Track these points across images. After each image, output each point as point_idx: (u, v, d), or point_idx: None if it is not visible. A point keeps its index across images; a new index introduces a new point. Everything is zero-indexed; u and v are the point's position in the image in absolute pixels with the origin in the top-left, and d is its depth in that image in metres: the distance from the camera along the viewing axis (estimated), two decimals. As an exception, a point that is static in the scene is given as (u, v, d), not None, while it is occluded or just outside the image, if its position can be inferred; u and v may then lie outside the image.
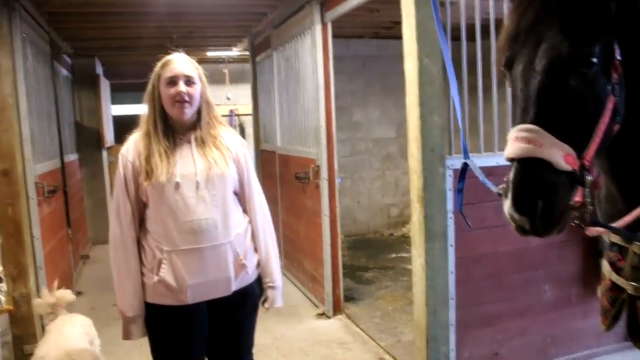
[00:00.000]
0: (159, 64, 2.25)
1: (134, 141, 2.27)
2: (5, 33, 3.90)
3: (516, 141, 1.38)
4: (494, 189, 1.66)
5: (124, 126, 9.93)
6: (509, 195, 1.36)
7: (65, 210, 5.63)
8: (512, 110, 1.50)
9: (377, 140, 7.55)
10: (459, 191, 2.28)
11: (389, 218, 7.69)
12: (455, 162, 3.09)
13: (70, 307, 5.05)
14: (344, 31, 6.43)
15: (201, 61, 10.00)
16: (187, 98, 2.20)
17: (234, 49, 7.72)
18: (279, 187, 5.66)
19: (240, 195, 2.34)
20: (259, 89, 6.58)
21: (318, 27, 4.42)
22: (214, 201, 2.19)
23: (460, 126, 2.39)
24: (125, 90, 10.68)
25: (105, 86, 8.12)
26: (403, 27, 3.04)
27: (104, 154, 7.96)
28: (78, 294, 5.60)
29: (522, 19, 1.46)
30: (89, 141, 7.55)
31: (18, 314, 3.99)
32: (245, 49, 7.41)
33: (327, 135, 4.48)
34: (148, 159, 2.20)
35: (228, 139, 2.33)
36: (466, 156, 2.26)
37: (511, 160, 1.40)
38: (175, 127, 2.26)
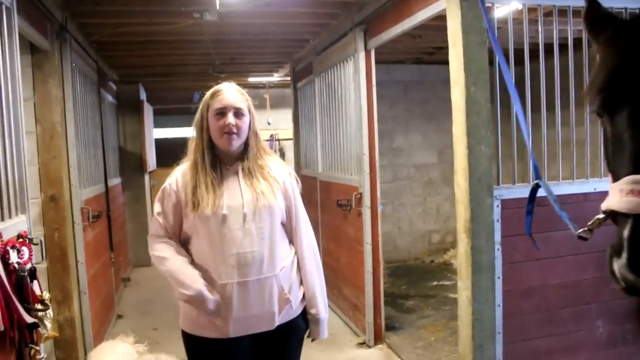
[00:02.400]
0: (208, 94, 2.26)
1: (181, 171, 2.28)
2: (57, 63, 4.02)
3: (631, 194, 1.22)
4: (574, 229, 1.57)
5: (165, 149, 10.03)
6: (624, 254, 1.21)
7: (109, 234, 5.73)
8: (611, 157, 1.34)
9: (419, 166, 7.49)
10: (528, 212, 2.21)
11: (430, 245, 7.58)
12: (502, 192, 3.03)
13: (112, 331, 5.12)
14: (385, 56, 6.43)
15: (242, 86, 10.15)
16: (235, 130, 2.20)
17: (275, 74, 7.81)
18: (320, 214, 5.64)
19: (288, 227, 2.32)
20: (300, 114, 6.62)
21: (361, 54, 4.43)
22: (261, 234, 2.18)
23: (529, 146, 2.33)
24: (167, 114, 10.95)
25: (148, 111, 8.29)
26: (450, 56, 3.01)
27: (146, 177, 8.11)
28: (119, 317, 5.66)
29: (629, 52, 1.26)
30: (131, 165, 7.71)
31: (62, 338, 4.04)
32: (286, 75, 7.47)
33: (370, 162, 4.45)
34: (195, 190, 2.20)
35: (275, 169, 2.32)
36: (537, 177, 2.19)
37: (624, 215, 1.24)
38: (222, 158, 2.26)
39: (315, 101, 5.73)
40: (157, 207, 2.27)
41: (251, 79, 8.19)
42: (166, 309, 5.79)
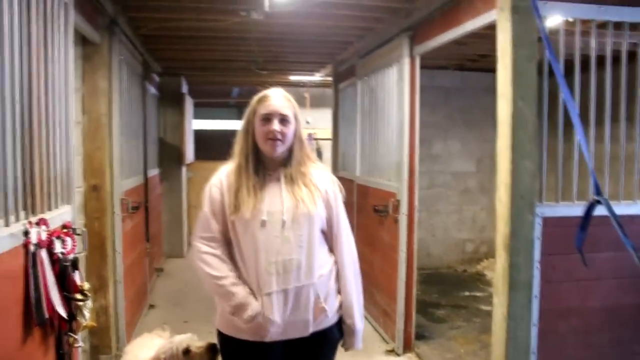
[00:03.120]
0: (255, 99, 2.29)
1: (226, 172, 2.31)
2: (106, 56, 4.10)
3: None
4: (638, 262, 1.54)
5: (202, 141, 10.21)
6: None
7: (145, 225, 5.82)
8: None
9: (456, 174, 7.42)
10: (582, 228, 2.18)
11: (464, 254, 7.51)
12: (545, 210, 2.98)
13: (144, 320, 5.21)
14: (427, 62, 6.37)
15: (283, 84, 10.19)
16: (279, 136, 2.23)
17: (317, 74, 7.82)
18: (356, 217, 5.64)
19: (328, 235, 2.33)
20: (340, 115, 6.63)
21: (406, 61, 4.41)
22: (299, 241, 2.19)
23: (588, 160, 2.29)
24: (206, 106, 11.08)
25: (189, 104, 8.40)
26: (498, 68, 2.98)
27: (183, 170, 8.21)
28: (151, 307, 5.76)
29: None
30: (170, 157, 7.82)
31: (96, 325, 4.14)
32: (327, 75, 7.48)
33: (410, 170, 4.43)
34: (237, 193, 2.23)
35: (318, 177, 2.33)
36: (598, 193, 2.16)
37: None
38: (266, 163, 2.29)
39: (357, 104, 5.73)
40: (205, 206, 2.29)
41: (292, 78, 8.22)
42: (197, 301, 5.87)
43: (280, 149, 2.25)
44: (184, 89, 8.27)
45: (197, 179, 8.56)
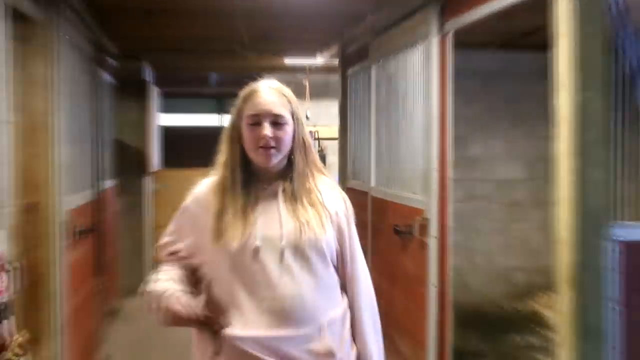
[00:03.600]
0: (240, 96, 2.33)
1: (205, 188, 2.37)
2: (46, 35, 4.07)
3: None
4: None
5: (172, 142, 10.25)
6: None
7: (97, 254, 5.79)
8: None
9: (501, 183, 7.38)
10: None
11: (513, 286, 7.46)
12: (623, 232, 2.93)
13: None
14: (462, 39, 6.32)
15: (276, 70, 10.19)
16: (273, 143, 2.26)
17: (319, 56, 7.82)
18: (370, 240, 5.61)
19: (340, 269, 2.37)
20: (349, 108, 6.63)
21: (435, 40, 4.39)
22: (303, 274, 2.23)
23: None
24: (177, 98, 11.11)
25: (154, 95, 8.41)
26: (555, 50, 2.94)
27: (148, 180, 8.22)
28: (107, 358, 5.72)
29: None
30: (130, 164, 7.85)
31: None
32: (332, 57, 7.48)
33: (440, 178, 4.40)
34: (220, 215, 2.27)
35: (327, 193, 2.38)
36: None
37: None
38: (259, 175, 2.32)
39: (371, 95, 5.71)
40: (170, 227, 2.40)
41: (288, 61, 8.23)
42: (164, 351, 5.83)
43: (276, 158, 2.29)
44: (148, 75, 8.27)
45: (165, 192, 8.56)
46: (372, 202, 5.65)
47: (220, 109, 11.61)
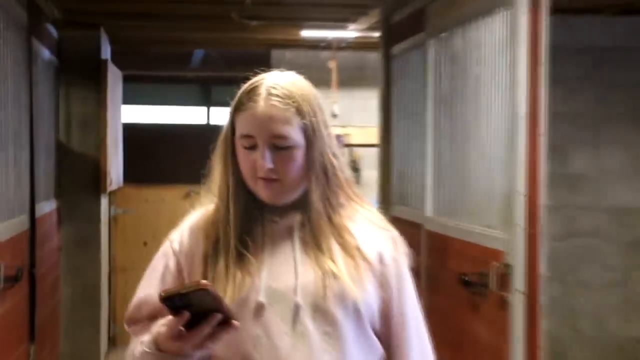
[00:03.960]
0: (237, 95, 2.33)
1: (194, 224, 2.40)
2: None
3: None
4: None
5: (141, 146, 10.25)
6: None
7: (30, 310, 5.75)
8: None
9: (617, 212, 7.27)
10: None
11: (637, 364, 7.37)
12: None
13: None
14: (562, 2, 6.28)
15: (289, 46, 10.26)
16: (274, 175, 2.26)
17: (351, 27, 7.82)
18: (424, 293, 5.57)
19: (383, 337, 2.36)
20: (394, 103, 6.65)
21: (523, 5, 4.35)
22: (326, 345, 2.23)
23: None
24: (146, 83, 11.14)
25: (115, 80, 8.40)
26: None
27: (104, 202, 8.21)
28: None
29: None
30: (78, 178, 7.83)
31: None
32: (371, 28, 7.46)
33: (530, 207, 4.35)
34: (212, 261, 2.30)
35: (366, 230, 2.38)
36: None
37: None
38: (266, 204, 2.33)
39: (427, 82, 5.72)
40: (147, 278, 2.41)
41: (306, 34, 8.22)
42: None
43: (281, 192, 2.30)
44: (106, 52, 8.26)
45: (130, 219, 8.56)
46: (427, 238, 5.64)
47: (208, 100, 11.63)
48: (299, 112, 2.28)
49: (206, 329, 2.07)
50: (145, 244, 8.59)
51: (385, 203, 6.58)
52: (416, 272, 5.57)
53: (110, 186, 8.03)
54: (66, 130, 7.81)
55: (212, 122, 11.69)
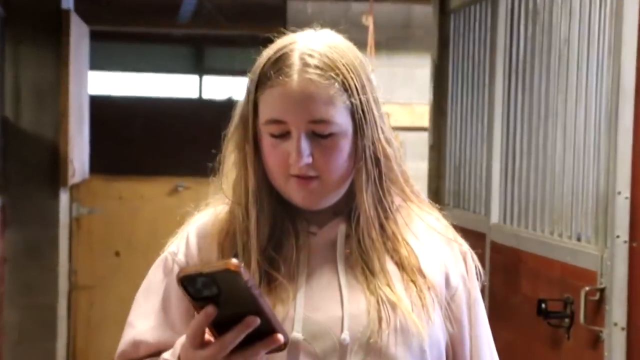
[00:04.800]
0: (258, 63, 2.27)
1: (202, 229, 2.37)
2: None
3: None
4: None
5: (111, 126, 10.25)
6: None
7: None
8: None
9: None
10: None
11: None
12: None
13: None
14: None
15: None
16: (313, 172, 2.22)
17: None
18: (488, 321, 5.57)
19: None
20: (452, 73, 6.70)
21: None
22: None
23: None
24: (120, 42, 11.17)
25: (80, 37, 8.42)
26: None
27: (64, 199, 8.22)
28: None
29: None
30: (30, 167, 7.86)
31: None
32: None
33: (634, 215, 4.33)
34: None
35: (427, 244, 2.36)
36: None
37: None
38: (300, 210, 2.31)
39: (497, 47, 5.75)
40: (139, 307, 2.38)
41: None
42: None
43: (321, 195, 2.27)
44: (68, 0, 8.27)
45: (98, 220, 8.61)
46: (493, 252, 5.69)
47: (200, 66, 11.65)
48: (345, 87, 2.23)
49: (239, 334, 1.96)
50: (117, 254, 8.70)
51: (438, 201, 6.58)
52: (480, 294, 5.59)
53: (72, 178, 8.04)
54: (13, 104, 7.82)
55: (205, 96, 11.70)
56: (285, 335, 1.96)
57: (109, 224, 8.63)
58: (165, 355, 2.17)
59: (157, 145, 10.14)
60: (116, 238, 8.68)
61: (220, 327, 1.93)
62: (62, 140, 7.85)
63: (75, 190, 8.55)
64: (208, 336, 1.96)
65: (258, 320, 1.91)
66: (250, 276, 1.90)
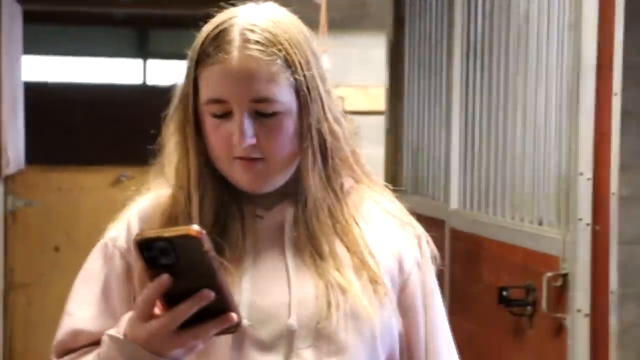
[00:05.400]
0: (197, 39, 2.28)
1: (143, 214, 2.36)
2: None
3: None
4: None
5: (48, 114, 10.22)
6: None
7: None
8: None
9: None
10: None
11: None
12: None
13: None
14: None
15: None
16: (258, 153, 2.23)
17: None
18: (448, 310, 5.62)
19: None
20: (408, 53, 6.77)
21: None
22: None
23: None
24: (56, 24, 11.08)
25: (12, 18, 8.40)
26: None
27: (-1, 190, 8.21)
28: None
29: None
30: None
31: None
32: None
33: (597, 197, 4.41)
34: None
35: (380, 226, 2.37)
36: None
37: None
38: (245, 193, 2.31)
39: (454, 22, 5.79)
40: (77, 294, 2.36)
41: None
42: None
43: (267, 177, 2.27)
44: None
45: (35, 213, 8.64)
46: (452, 239, 5.73)
47: (144, 49, 11.60)
48: (288, 63, 2.23)
49: (192, 306, 1.93)
50: (56, 249, 8.61)
51: (394, 192, 6.62)
52: (439, 282, 5.67)
53: (6, 168, 8.02)
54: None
55: (149, 82, 11.63)
56: (239, 315, 1.94)
57: (48, 218, 8.58)
58: (109, 332, 2.10)
59: (99, 134, 10.14)
60: (55, 232, 8.62)
61: (171, 301, 1.90)
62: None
63: (10, 182, 8.50)
64: (157, 310, 1.95)
65: (213, 294, 1.89)
66: (210, 246, 1.87)
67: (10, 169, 8.10)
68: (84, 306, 2.34)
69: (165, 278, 1.86)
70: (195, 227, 1.84)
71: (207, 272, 1.87)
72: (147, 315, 1.94)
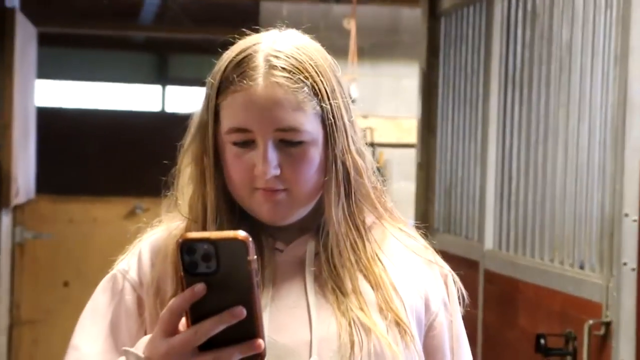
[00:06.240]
0: (219, 70, 2.28)
1: (155, 247, 2.36)
2: None
3: None
4: None
5: (61, 141, 10.21)
6: None
7: None
8: None
9: None
10: None
11: None
12: None
13: None
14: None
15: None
16: (281, 185, 2.23)
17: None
18: (481, 356, 5.59)
19: None
20: (442, 84, 6.70)
21: None
22: None
23: None
24: (73, 47, 11.09)
25: (26, 40, 8.42)
26: None
27: (5, 221, 8.20)
28: None
29: None
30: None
31: None
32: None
33: None
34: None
35: (404, 264, 2.37)
36: None
37: None
38: (264, 225, 2.31)
39: (492, 52, 5.77)
40: (83, 328, 2.34)
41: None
42: None
43: (289, 209, 2.27)
44: (14, -1, 8.30)
45: (45, 246, 8.60)
46: (486, 282, 5.70)
47: (163, 74, 11.61)
48: (315, 91, 2.23)
49: (219, 324, 1.87)
50: (66, 284, 8.61)
51: (428, 227, 6.59)
52: (471, 326, 5.63)
53: (15, 198, 8.02)
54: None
55: (168, 109, 11.62)
56: (264, 343, 1.89)
57: (57, 251, 8.57)
58: (126, 348, 2.08)
59: (113, 162, 10.11)
60: (65, 266, 8.61)
61: (195, 319, 1.86)
62: (5, 155, 7.82)
63: (19, 212, 8.52)
64: (181, 327, 1.90)
65: (245, 313, 1.84)
66: (254, 258, 1.84)
67: (19, 199, 8.08)
68: (91, 341, 2.33)
69: (200, 287, 1.82)
70: (243, 233, 1.82)
71: (244, 285, 1.85)
72: (172, 327, 1.90)
